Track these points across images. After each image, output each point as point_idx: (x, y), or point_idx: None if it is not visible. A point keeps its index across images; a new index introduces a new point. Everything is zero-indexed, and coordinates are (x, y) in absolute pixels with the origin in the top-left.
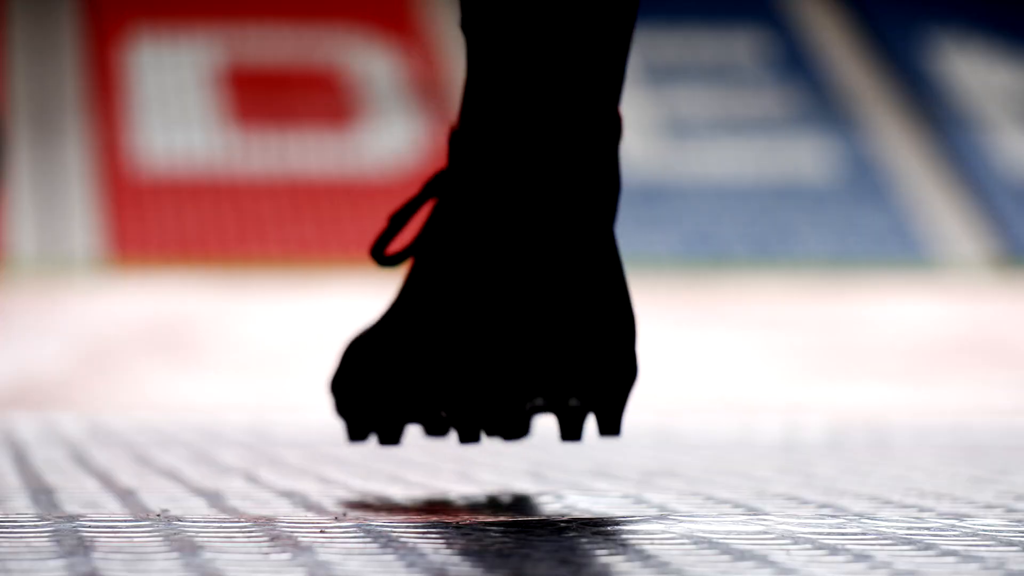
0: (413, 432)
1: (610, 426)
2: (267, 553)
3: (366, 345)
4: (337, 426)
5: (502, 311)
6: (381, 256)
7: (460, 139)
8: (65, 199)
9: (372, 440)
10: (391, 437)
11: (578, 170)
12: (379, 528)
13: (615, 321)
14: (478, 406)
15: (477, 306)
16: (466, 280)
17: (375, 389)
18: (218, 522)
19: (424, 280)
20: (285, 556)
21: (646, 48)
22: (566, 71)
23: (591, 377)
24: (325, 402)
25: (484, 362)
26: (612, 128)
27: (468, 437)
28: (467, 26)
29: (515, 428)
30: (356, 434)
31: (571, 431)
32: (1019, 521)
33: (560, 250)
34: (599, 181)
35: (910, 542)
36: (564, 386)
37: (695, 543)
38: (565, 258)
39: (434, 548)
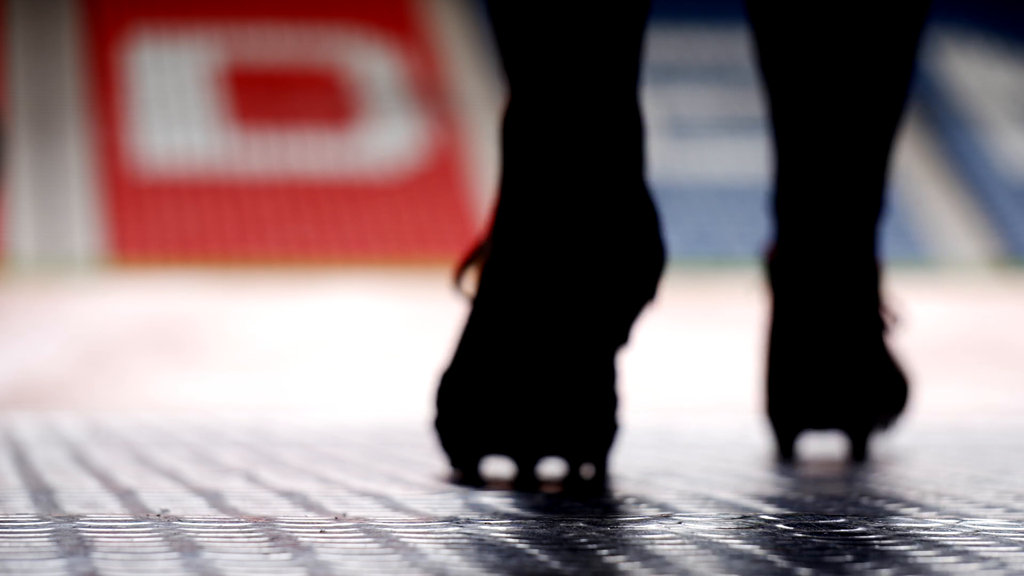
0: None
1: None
2: (267, 553)
3: (447, 383)
4: (337, 426)
5: (509, 371)
6: (456, 286)
7: (501, 226)
8: (65, 199)
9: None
10: (470, 468)
11: (590, 269)
12: (379, 528)
13: (593, 396)
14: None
15: (493, 361)
16: (492, 337)
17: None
18: (218, 522)
19: (474, 330)
20: (285, 556)
21: (646, 48)
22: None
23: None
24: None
25: (480, 414)
26: (637, 212)
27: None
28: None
29: (472, 475)
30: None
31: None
32: (1019, 521)
33: (562, 336)
34: (607, 280)
35: (911, 542)
36: (534, 447)
37: (695, 543)
38: (562, 343)
39: (434, 548)
